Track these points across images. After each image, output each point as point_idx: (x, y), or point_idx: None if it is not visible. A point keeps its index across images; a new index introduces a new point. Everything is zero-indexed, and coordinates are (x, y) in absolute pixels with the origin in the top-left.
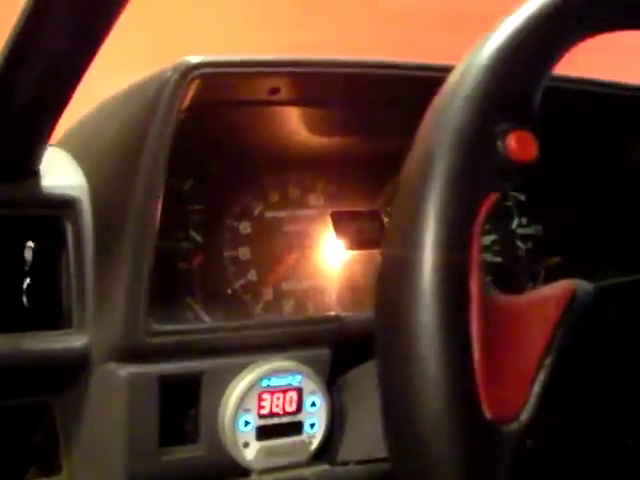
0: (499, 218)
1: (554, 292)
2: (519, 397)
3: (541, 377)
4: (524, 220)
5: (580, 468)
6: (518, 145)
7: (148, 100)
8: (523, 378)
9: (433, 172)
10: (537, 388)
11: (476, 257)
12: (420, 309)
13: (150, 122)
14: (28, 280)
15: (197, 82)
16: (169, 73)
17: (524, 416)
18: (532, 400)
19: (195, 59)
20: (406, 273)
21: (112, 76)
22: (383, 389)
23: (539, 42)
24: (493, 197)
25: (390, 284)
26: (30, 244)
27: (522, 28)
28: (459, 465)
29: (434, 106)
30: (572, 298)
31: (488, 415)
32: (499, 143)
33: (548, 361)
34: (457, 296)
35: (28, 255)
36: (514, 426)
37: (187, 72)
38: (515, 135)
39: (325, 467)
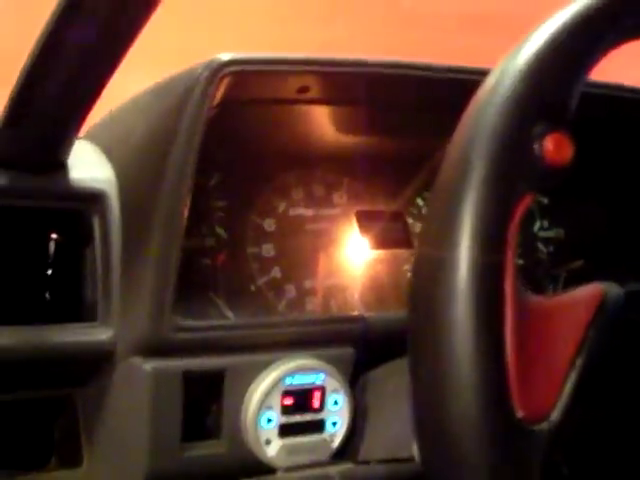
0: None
1: (585, 294)
2: (550, 397)
3: (572, 378)
4: (546, 223)
5: (605, 470)
6: (555, 147)
7: (179, 97)
8: (554, 378)
9: (470, 173)
10: (568, 388)
11: (511, 257)
12: (455, 307)
13: (180, 119)
14: (52, 272)
15: (228, 79)
16: (200, 70)
17: (555, 416)
18: (563, 400)
19: (226, 56)
20: (442, 272)
21: (141, 73)
22: (414, 385)
23: (576, 46)
24: (529, 198)
25: (425, 282)
26: (54, 236)
27: (559, 32)
28: (489, 463)
29: (472, 108)
30: (603, 301)
31: (519, 414)
32: (536, 145)
33: (579, 362)
34: (492, 296)
35: (52, 247)
36: (544, 425)
37: (218, 69)
38: (552, 137)
39: (350, 465)
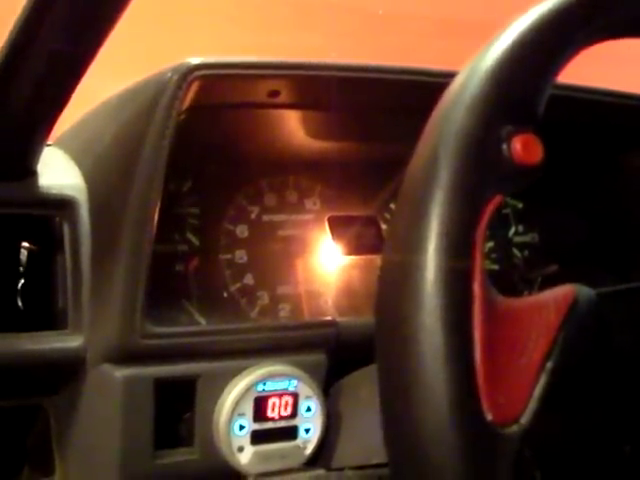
0: (496, 226)
1: (555, 296)
2: (520, 400)
3: (542, 381)
4: (521, 228)
5: (578, 474)
6: (523, 148)
7: (147, 101)
8: (524, 381)
9: (437, 175)
10: (538, 392)
11: (480, 260)
12: (423, 312)
13: (149, 123)
14: (23, 280)
15: (197, 84)
16: (169, 74)
17: (524, 419)
18: (533, 403)
19: (195, 60)
20: (409, 276)
21: (108, 78)
22: (384, 390)
23: (544, 47)
24: (498, 200)
25: (392, 287)
26: (25, 244)
27: (527, 32)
28: (457, 466)
29: (438, 109)
30: (573, 303)
31: (489, 417)
32: (504, 146)
33: (549, 365)
34: (460, 299)
35: (23, 255)
36: (514, 429)
37: (187, 73)
38: (520, 138)
39: (321, 472)
